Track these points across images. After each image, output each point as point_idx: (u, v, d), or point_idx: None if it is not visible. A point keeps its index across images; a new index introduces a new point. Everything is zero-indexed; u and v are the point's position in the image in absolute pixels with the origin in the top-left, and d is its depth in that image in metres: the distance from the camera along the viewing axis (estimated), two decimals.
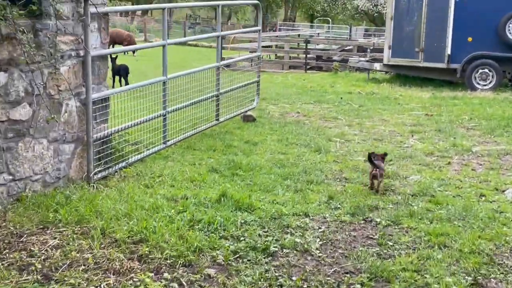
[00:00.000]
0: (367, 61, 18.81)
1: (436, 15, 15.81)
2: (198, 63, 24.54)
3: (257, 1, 10.59)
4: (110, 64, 15.14)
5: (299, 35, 31.22)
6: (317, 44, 25.64)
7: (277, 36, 25.45)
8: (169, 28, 40.62)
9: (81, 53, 6.25)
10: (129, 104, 7.33)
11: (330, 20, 47.30)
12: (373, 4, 48.87)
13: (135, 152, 7.42)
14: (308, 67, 22.58)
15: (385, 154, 7.13)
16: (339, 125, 10.44)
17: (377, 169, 6.58)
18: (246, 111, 10.39)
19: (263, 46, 24.45)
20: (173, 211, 5.59)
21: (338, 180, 7.16)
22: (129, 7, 7.10)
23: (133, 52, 30.78)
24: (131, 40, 29.76)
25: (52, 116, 5.73)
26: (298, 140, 9.02)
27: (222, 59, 22.06)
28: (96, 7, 6.34)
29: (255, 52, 24.39)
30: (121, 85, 14.91)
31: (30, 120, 5.70)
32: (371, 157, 6.65)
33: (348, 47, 25.87)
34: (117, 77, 14.41)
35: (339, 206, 6.16)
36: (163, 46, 7.72)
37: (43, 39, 5.73)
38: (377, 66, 17.63)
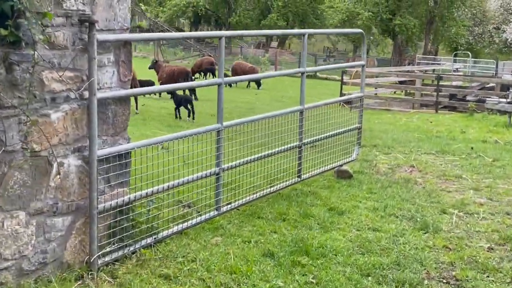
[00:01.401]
0: (508, 102, 16.05)
1: None
2: (316, 99, 22.79)
3: (360, 31, 8.61)
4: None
5: (433, 70, 28.56)
6: (452, 81, 22.92)
7: (408, 71, 23.08)
8: (284, 62, 39.58)
9: (87, 94, 4.63)
10: (174, 158, 5.64)
11: (470, 54, 43.66)
12: None
13: (179, 220, 5.70)
14: (440, 106, 20.02)
15: None
16: (461, 187, 8.14)
17: None
18: (341, 165, 8.37)
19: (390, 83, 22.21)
20: None
21: (443, 281, 5.00)
22: (154, 34, 5.40)
23: (258, 85, 29.65)
24: (254, 73, 28.57)
25: None
26: (401, 209, 6.89)
27: (342, 95, 20.24)
28: (109, 33, 4.74)
29: (381, 87, 22.26)
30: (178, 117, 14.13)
31: None
32: None
33: (490, 85, 22.96)
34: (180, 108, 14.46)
35: None
36: (219, 84, 5.96)
37: (21, 76, 4.16)
38: None
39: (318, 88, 32.93)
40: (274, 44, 69.92)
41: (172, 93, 15.05)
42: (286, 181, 7.35)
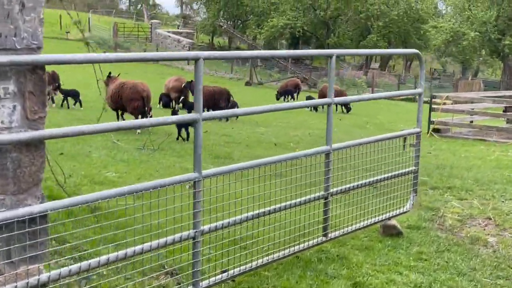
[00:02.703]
0: None
1: None
2: (403, 125, 20.75)
3: (415, 51, 6.89)
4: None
5: None
6: None
7: (510, 96, 20.65)
8: (401, 83, 37.63)
9: None
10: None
11: None
12: None
13: None
14: None
15: None
16: None
17: None
18: (389, 218, 6.67)
19: (486, 110, 19.89)
20: None
21: None
22: (77, 56, 3.98)
23: (347, 109, 27.93)
24: (341, 96, 26.88)
25: None
26: None
27: (431, 122, 18.20)
28: (6, 54, 3.44)
29: (475, 114, 19.90)
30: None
31: None
32: None
33: None
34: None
35: None
36: (195, 121, 4.51)
37: None
38: None
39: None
40: (376, 65, 67.78)
41: (173, 113, 14.47)
42: (308, 240, 5.77)
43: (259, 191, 5.28)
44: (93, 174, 9.02)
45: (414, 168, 6.94)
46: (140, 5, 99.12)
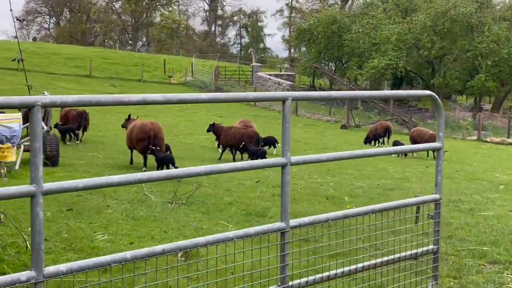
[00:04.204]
0: None
1: None
2: (500, 174, 18.30)
3: (429, 92, 5.18)
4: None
5: None
6: None
7: None
8: (491, 128, 33.91)
9: None
10: None
11: None
12: None
13: None
14: None
15: None
16: None
17: None
18: None
19: None
20: None
21: None
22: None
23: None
24: (432, 141, 24.63)
25: None
26: None
27: None
28: None
29: None
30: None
31: None
32: None
33: None
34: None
35: None
36: (32, 196, 3.14)
37: None
38: None
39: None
40: (488, 106, 63.88)
41: (153, 152, 14.17)
42: None
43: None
44: (80, 237, 7.83)
45: (433, 247, 5.16)
46: (249, 49, 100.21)
